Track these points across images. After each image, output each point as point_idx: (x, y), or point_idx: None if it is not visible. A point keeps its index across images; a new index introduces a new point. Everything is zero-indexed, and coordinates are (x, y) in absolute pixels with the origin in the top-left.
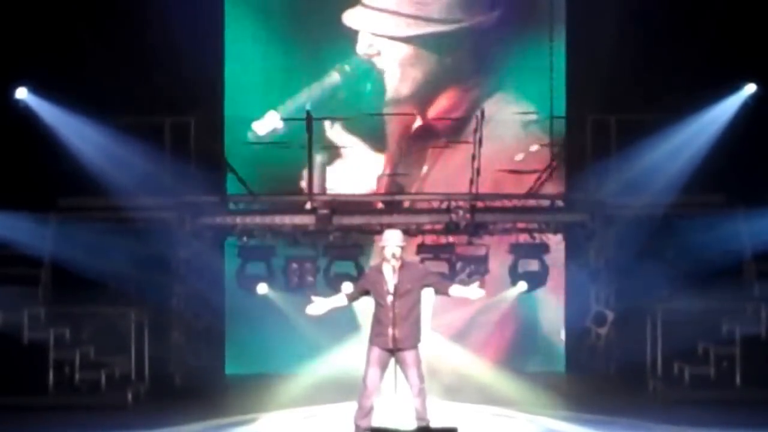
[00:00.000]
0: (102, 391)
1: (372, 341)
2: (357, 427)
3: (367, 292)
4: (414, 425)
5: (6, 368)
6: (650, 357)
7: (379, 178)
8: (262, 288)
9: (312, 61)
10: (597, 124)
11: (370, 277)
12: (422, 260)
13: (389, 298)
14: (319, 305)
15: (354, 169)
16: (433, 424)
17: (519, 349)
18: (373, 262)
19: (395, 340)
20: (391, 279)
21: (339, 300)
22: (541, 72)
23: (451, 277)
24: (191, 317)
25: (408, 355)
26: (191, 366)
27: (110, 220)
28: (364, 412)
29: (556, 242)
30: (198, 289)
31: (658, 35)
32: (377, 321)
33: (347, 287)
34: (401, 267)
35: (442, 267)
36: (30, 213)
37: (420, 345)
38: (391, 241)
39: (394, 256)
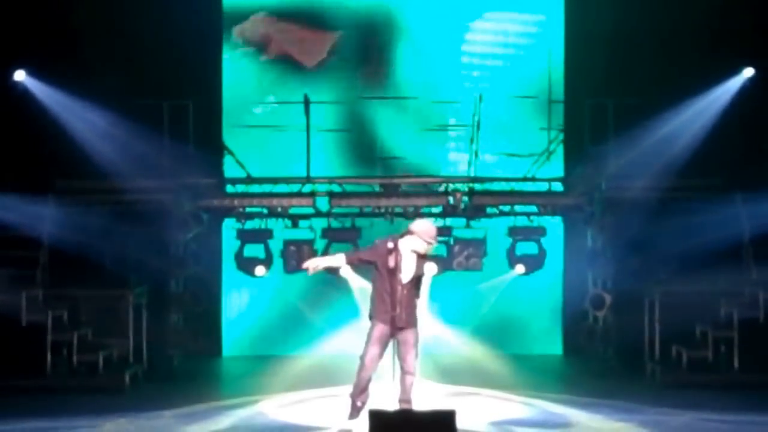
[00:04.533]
0: (100, 374)
1: (378, 318)
2: (353, 403)
3: (369, 263)
4: (396, 406)
5: (4, 350)
6: (648, 340)
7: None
8: (261, 270)
9: (311, 44)
10: (595, 108)
11: (382, 251)
12: None
13: (402, 280)
14: (315, 261)
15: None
16: (430, 407)
17: (516, 332)
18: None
19: (401, 319)
20: (410, 264)
21: (336, 260)
22: (540, 55)
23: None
24: (189, 299)
25: (409, 334)
26: (189, 348)
27: (108, 203)
28: (361, 388)
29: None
30: (196, 272)
31: (656, 19)
32: (385, 299)
33: (346, 270)
34: (419, 254)
35: (440, 250)
36: (28, 195)
37: (418, 325)
38: (432, 236)
39: (422, 249)
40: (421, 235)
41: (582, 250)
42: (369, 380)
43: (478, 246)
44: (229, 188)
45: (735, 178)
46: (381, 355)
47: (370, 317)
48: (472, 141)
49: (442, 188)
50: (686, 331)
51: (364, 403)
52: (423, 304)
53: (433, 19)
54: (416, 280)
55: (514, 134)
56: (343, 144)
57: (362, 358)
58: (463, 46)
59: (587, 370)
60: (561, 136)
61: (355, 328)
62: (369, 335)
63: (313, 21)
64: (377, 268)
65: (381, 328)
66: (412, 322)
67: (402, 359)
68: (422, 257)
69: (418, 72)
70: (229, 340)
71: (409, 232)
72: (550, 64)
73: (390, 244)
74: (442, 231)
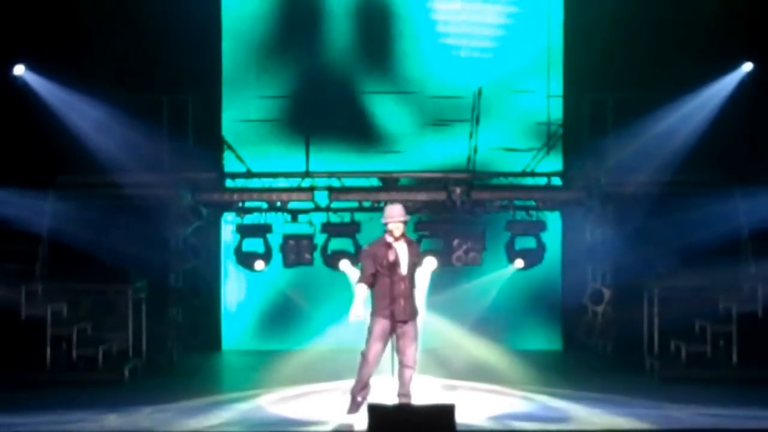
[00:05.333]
0: (99, 368)
1: (380, 314)
2: (353, 399)
3: (377, 270)
4: (396, 400)
5: (3, 344)
6: (647, 335)
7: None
8: (260, 265)
9: (310, 37)
10: (594, 103)
11: (377, 252)
12: (420, 237)
13: (401, 272)
14: (357, 310)
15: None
16: (430, 402)
17: (515, 327)
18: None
19: (402, 312)
20: (401, 253)
21: (362, 292)
22: (539, 50)
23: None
24: (189, 293)
25: (410, 327)
26: (188, 342)
27: (108, 197)
28: (363, 384)
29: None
30: (195, 266)
31: (655, 14)
32: (386, 294)
33: (345, 264)
34: (407, 241)
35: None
36: (28, 190)
37: (418, 318)
38: (396, 216)
39: (398, 230)
40: (393, 219)
41: (581, 244)
42: (371, 377)
43: (477, 240)
44: (229, 182)
45: (734, 173)
46: (383, 350)
47: (371, 315)
48: (471, 135)
49: (441, 183)
50: (685, 326)
51: (364, 398)
52: (422, 298)
53: (432, 13)
54: (413, 271)
55: (513, 128)
56: (342, 138)
57: (365, 354)
58: (462, 39)
59: (586, 365)
60: (560, 131)
61: (355, 322)
62: (370, 332)
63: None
64: (380, 268)
65: (383, 324)
66: (412, 314)
67: (402, 353)
68: (411, 245)
69: (417, 66)
70: (229, 334)
71: (386, 225)
72: (549, 57)
73: (389, 239)
74: (442, 225)
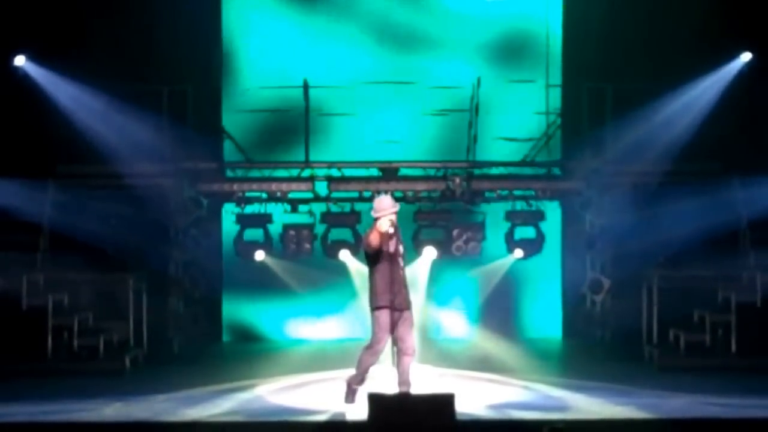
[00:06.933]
0: (100, 357)
1: (384, 305)
2: (350, 388)
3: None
4: (395, 389)
5: (5, 334)
6: (646, 324)
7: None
8: (260, 255)
9: (310, 27)
10: (593, 93)
11: (382, 238)
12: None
13: (400, 261)
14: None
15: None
16: (429, 391)
17: (515, 316)
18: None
19: (403, 300)
20: (399, 244)
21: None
22: (538, 40)
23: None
24: (189, 284)
25: (408, 315)
26: (189, 332)
27: (108, 187)
28: (363, 376)
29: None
30: (196, 256)
31: (654, 4)
32: (390, 283)
33: (345, 254)
34: (397, 231)
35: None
36: (29, 180)
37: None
38: (388, 208)
39: (391, 222)
40: (386, 211)
41: (580, 234)
42: (372, 367)
43: (477, 230)
44: (229, 173)
45: (733, 163)
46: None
47: (376, 307)
48: (470, 125)
49: (440, 173)
50: (684, 315)
51: (359, 387)
52: (422, 288)
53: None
54: (404, 260)
55: (513, 119)
56: (342, 128)
57: (374, 347)
58: (462, 30)
59: (585, 354)
60: (559, 121)
61: (354, 312)
62: (378, 324)
63: None
64: (382, 256)
65: (387, 314)
66: (409, 302)
67: (402, 340)
68: (398, 234)
69: (416, 56)
70: (229, 323)
71: (377, 219)
72: (549, 48)
73: (391, 230)
74: (442, 215)
